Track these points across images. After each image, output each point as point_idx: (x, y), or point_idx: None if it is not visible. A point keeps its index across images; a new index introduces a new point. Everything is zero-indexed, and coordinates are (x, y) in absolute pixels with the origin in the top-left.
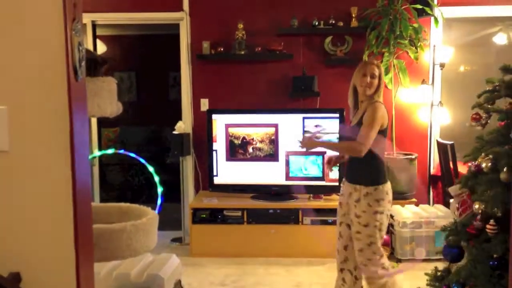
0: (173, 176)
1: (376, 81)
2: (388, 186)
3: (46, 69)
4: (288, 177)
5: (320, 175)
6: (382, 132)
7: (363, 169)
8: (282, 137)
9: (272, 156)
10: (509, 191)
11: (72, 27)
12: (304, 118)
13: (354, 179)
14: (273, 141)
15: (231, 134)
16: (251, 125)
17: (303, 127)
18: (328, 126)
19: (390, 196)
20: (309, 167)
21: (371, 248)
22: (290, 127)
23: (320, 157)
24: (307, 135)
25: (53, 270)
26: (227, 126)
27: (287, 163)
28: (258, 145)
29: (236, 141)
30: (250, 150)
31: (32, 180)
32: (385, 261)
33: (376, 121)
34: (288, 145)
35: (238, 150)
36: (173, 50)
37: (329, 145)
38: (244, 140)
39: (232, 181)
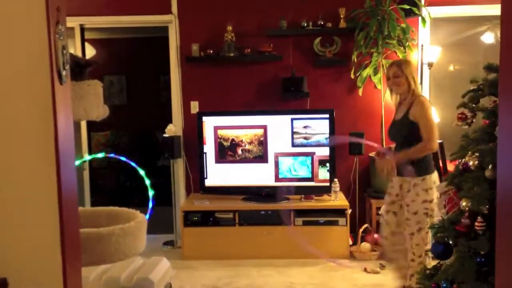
0: (164, 179)
1: (401, 79)
2: (435, 176)
3: (30, 73)
4: (277, 179)
5: (309, 175)
6: None
7: (410, 162)
8: (271, 138)
9: (261, 158)
10: (494, 188)
11: (56, 30)
12: (292, 119)
13: (402, 172)
14: (262, 143)
15: (220, 136)
16: (240, 127)
17: (292, 128)
18: (317, 127)
19: (437, 184)
20: (298, 168)
21: (421, 233)
22: (279, 128)
23: (309, 158)
24: (380, 157)
25: (40, 275)
26: (216, 128)
27: (276, 164)
28: (247, 146)
29: (225, 143)
30: (239, 152)
31: (17, 185)
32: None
33: (430, 116)
34: (277, 146)
35: (227, 152)
36: (162, 53)
37: (405, 156)
38: (233, 142)
39: (222, 183)
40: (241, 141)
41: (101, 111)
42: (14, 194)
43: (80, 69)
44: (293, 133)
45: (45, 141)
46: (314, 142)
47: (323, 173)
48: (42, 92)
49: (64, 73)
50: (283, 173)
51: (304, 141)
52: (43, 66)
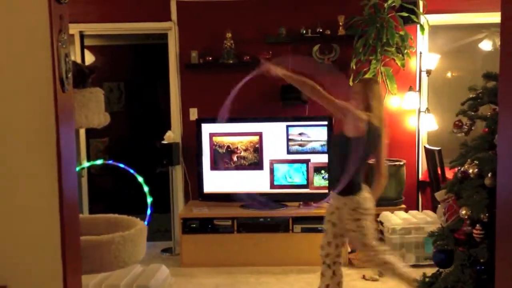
0: (163, 186)
1: (357, 96)
2: (361, 196)
3: (32, 81)
4: (272, 185)
5: (305, 182)
6: (357, 140)
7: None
8: (267, 145)
9: (257, 165)
10: (494, 196)
11: (59, 39)
12: (287, 126)
13: (335, 188)
14: (257, 150)
15: (215, 143)
16: (236, 134)
17: (287, 135)
18: (313, 134)
19: (366, 204)
20: (293, 175)
21: (366, 248)
22: (275, 135)
23: (304, 165)
24: None
25: (41, 283)
26: (211, 135)
27: (272, 171)
28: (243, 153)
29: (220, 150)
30: (235, 158)
31: (19, 192)
32: (383, 257)
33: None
34: (272, 153)
35: (222, 159)
36: (161, 59)
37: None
38: (229, 149)
39: (219, 190)
40: (237, 148)
41: (102, 119)
42: (16, 201)
43: (82, 77)
44: (288, 140)
45: (47, 148)
46: (309, 149)
47: (318, 180)
48: (44, 100)
49: (66, 81)
50: (278, 180)
51: (299, 148)
52: (46, 74)
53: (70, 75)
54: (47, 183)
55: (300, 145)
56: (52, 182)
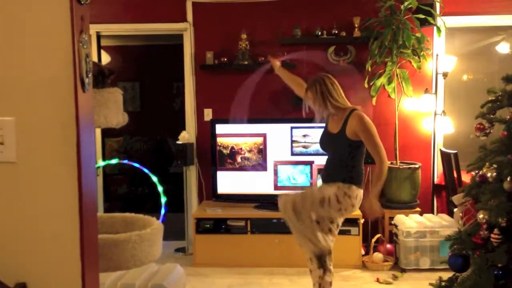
0: (177, 186)
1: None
2: (360, 192)
3: (53, 80)
4: (276, 187)
5: (308, 184)
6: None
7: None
8: (270, 146)
9: (261, 166)
10: None
11: (80, 39)
12: (292, 127)
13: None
14: (261, 151)
15: (219, 144)
16: (240, 135)
17: (291, 137)
18: (318, 136)
19: (359, 200)
20: (297, 177)
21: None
22: (279, 136)
23: (308, 166)
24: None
25: (59, 280)
26: (216, 136)
27: (275, 172)
28: (247, 154)
29: (224, 151)
30: (239, 159)
31: (39, 191)
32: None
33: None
34: (276, 154)
35: (226, 159)
36: (177, 60)
37: (380, 186)
38: (233, 150)
39: (232, 190)
40: (241, 149)
41: (120, 119)
42: (36, 200)
43: (102, 78)
44: (292, 141)
45: (67, 148)
46: (313, 151)
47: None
48: (65, 100)
49: (87, 81)
50: (282, 181)
51: (303, 150)
52: (67, 74)
53: (90, 75)
54: (67, 182)
55: (304, 146)
56: (72, 182)
